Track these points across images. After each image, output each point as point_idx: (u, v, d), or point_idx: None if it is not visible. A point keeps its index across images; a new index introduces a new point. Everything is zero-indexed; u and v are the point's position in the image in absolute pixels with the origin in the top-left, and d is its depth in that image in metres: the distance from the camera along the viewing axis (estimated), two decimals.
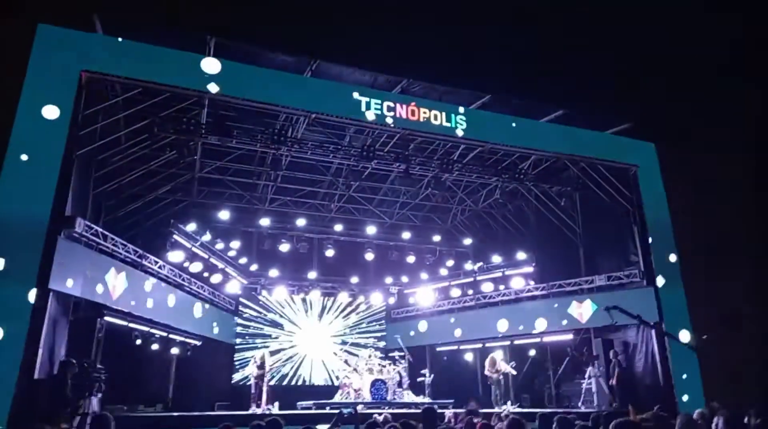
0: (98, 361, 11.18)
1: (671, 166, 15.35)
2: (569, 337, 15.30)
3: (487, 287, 17.55)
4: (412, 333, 18.43)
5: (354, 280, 18.82)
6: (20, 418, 8.26)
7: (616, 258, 15.08)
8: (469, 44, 17.80)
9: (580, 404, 13.88)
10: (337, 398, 14.17)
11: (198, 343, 15.39)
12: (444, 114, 13.34)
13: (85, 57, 10.36)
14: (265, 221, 16.83)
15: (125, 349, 12.79)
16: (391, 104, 12.87)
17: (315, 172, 16.16)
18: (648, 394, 12.75)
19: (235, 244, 16.51)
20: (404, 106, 12.99)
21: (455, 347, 18.01)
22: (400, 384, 14.62)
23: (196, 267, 14.48)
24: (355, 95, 12.63)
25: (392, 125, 12.83)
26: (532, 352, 16.28)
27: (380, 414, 8.57)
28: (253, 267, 17.57)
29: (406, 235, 18.54)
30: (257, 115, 12.78)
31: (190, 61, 11.35)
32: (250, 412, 12.58)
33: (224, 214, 15.70)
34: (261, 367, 13.35)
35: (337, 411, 10.29)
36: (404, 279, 19.34)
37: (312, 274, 18.37)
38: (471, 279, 18.12)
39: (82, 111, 10.25)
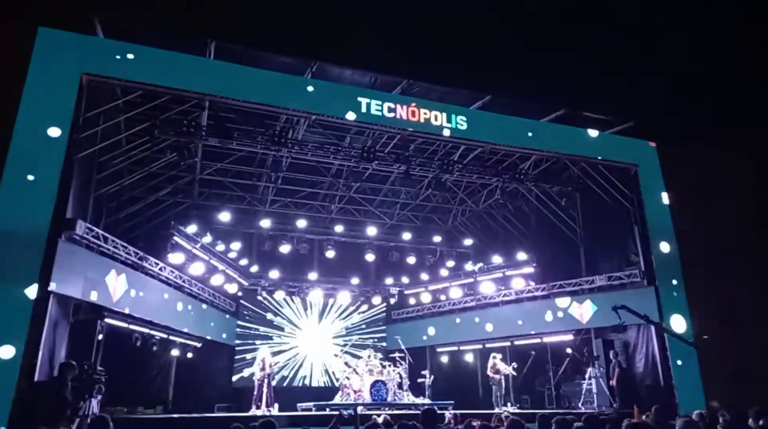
0: (98, 363, 11.19)
1: (672, 166, 15.35)
2: (569, 337, 15.31)
3: (488, 288, 17.56)
4: (412, 334, 18.42)
5: (354, 281, 18.83)
6: (20, 420, 8.28)
7: (616, 258, 15.06)
8: (469, 44, 17.81)
9: (580, 405, 13.86)
10: (337, 399, 14.16)
11: (198, 344, 15.41)
12: (444, 114, 13.36)
13: (85, 60, 10.39)
14: (265, 222, 16.84)
15: (125, 350, 12.79)
16: (392, 105, 12.90)
17: (315, 173, 16.18)
18: (648, 395, 12.74)
19: (236, 246, 16.55)
20: (404, 107, 13.02)
21: (455, 348, 18.02)
22: (400, 385, 14.62)
23: (196, 269, 14.48)
24: (356, 96, 12.66)
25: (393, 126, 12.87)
26: (533, 353, 16.28)
27: (380, 416, 8.57)
28: (254, 268, 17.59)
29: (406, 235, 18.57)
30: (257, 117, 12.80)
31: (190, 63, 11.40)
32: (250, 413, 12.59)
33: (225, 216, 15.73)
34: (264, 368, 13.33)
35: (337, 412, 10.29)
36: (405, 280, 19.36)
37: (312, 276, 18.39)
38: (471, 279, 18.14)
39: (83, 114, 10.27)
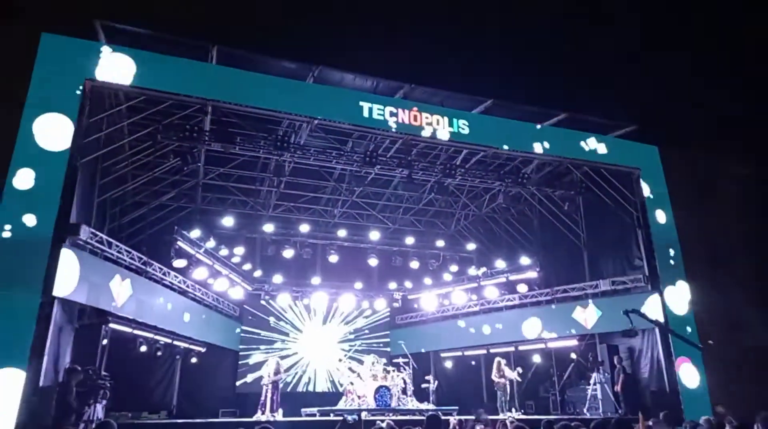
0: (103, 368, 11.21)
1: (674, 169, 15.31)
2: (574, 342, 15.24)
3: (492, 292, 17.52)
4: (416, 339, 18.37)
5: (358, 285, 18.79)
6: (25, 425, 8.28)
7: (620, 262, 14.99)
8: (471, 48, 17.85)
9: (585, 411, 13.78)
10: (341, 405, 14.11)
11: (202, 349, 15.40)
12: (446, 119, 13.37)
13: (88, 65, 10.44)
14: (268, 227, 16.84)
15: (130, 356, 12.81)
16: (394, 109, 12.91)
17: (318, 177, 16.18)
18: (653, 401, 12.66)
19: (239, 251, 16.53)
20: (406, 112, 13.04)
21: (459, 353, 17.95)
22: (404, 391, 14.56)
23: (200, 273, 14.48)
24: (358, 101, 12.69)
25: (395, 130, 12.88)
26: (537, 359, 16.22)
27: (383, 421, 8.54)
28: (257, 273, 17.57)
29: (409, 240, 18.55)
30: (260, 122, 12.83)
31: (192, 68, 11.44)
32: (254, 419, 12.55)
33: (228, 221, 15.75)
34: (279, 371, 13.24)
35: (341, 418, 10.27)
36: (408, 284, 19.32)
37: (316, 280, 18.37)
38: (475, 284, 18.09)
39: (87, 119, 10.31)
